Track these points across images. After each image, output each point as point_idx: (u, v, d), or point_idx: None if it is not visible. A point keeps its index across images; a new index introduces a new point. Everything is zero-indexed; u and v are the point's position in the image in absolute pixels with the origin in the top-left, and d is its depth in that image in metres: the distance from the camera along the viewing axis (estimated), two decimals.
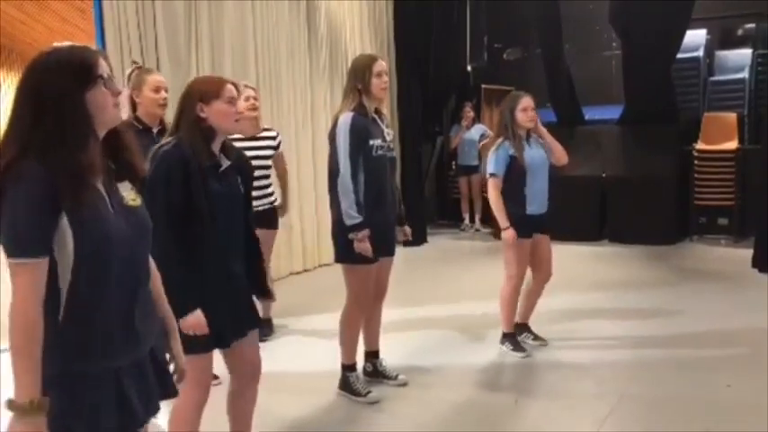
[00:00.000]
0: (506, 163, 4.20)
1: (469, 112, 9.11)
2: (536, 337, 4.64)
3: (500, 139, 4.27)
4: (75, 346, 1.67)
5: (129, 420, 1.78)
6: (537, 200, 4.29)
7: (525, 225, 4.25)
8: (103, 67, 1.71)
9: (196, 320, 2.40)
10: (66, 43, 1.74)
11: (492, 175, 4.22)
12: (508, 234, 4.17)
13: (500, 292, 4.39)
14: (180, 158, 2.41)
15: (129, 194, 1.79)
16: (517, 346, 4.42)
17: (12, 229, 1.59)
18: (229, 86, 2.51)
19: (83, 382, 1.69)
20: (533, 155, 4.27)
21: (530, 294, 4.56)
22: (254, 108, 4.51)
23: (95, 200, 1.68)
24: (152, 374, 1.87)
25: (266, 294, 2.73)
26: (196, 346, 2.41)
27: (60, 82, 1.64)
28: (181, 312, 2.30)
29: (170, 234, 2.35)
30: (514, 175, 4.21)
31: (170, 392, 1.97)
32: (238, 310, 2.57)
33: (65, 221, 1.62)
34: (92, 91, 1.67)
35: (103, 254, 1.67)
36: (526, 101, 4.26)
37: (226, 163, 2.51)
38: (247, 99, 4.42)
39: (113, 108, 1.72)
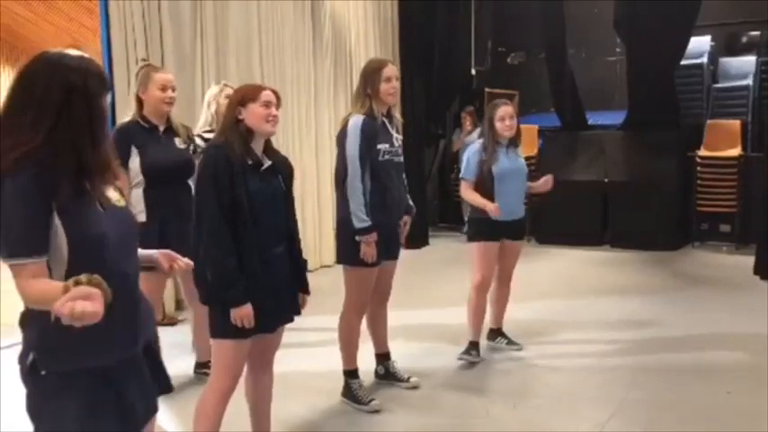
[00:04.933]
0: (478, 167, 4.25)
1: (466, 118, 9.12)
2: (510, 342, 4.64)
3: (477, 143, 4.34)
4: (72, 345, 1.66)
5: (129, 419, 1.79)
6: (505, 206, 4.24)
7: (490, 229, 4.27)
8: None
9: (246, 312, 2.57)
10: (74, 51, 1.81)
11: (463, 178, 4.34)
12: (493, 206, 4.12)
13: (468, 297, 4.37)
14: (225, 159, 2.58)
15: (114, 195, 1.83)
16: (466, 353, 4.35)
17: (7, 229, 1.60)
18: (267, 92, 2.70)
19: (79, 382, 1.69)
20: (508, 164, 4.28)
21: (498, 299, 4.58)
22: None
23: (88, 199, 1.71)
24: (148, 371, 1.89)
25: (303, 289, 2.87)
26: (238, 330, 2.59)
27: (91, 84, 1.70)
28: (231, 303, 2.54)
29: (221, 230, 2.54)
30: (485, 181, 4.25)
31: (165, 388, 2.01)
32: (282, 298, 2.74)
33: (56, 223, 1.64)
34: (103, 98, 1.75)
35: (98, 252, 1.69)
36: (503, 110, 4.25)
37: (267, 163, 2.69)
38: (227, 98, 4.42)
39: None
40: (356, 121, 3.56)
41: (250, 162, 2.63)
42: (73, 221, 1.65)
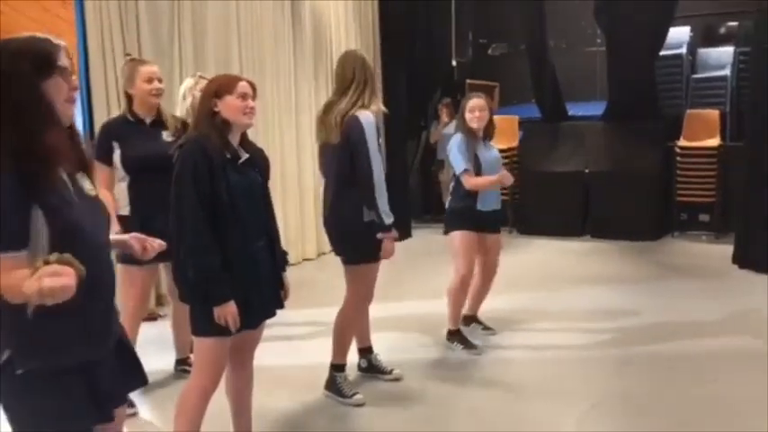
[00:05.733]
0: (468, 154, 4.27)
1: (443, 110, 9.15)
2: (485, 327, 4.72)
3: (460, 135, 4.35)
4: (50, 341, 1.64)
5: (103, 414, 1.78)
6: (488, 197, 4.35)
7: (474, 219, 4.31)
8: (64, 59, 1.71)
9: (231, 310, 2.52)
10: (27, 34, 1.73)
11: (465, 170, 4.27)
12: (507, 175, 4.27)
13: (448, 286, 4.41)
14: (203, 153, 2.52)
15: (86, 184, 1.80)
16: (467, 344, 4.43)
17: None
18: (243, 83, 2.63)
19: (54, 380, 1.66)
20: (486, 154, 4.37)
21: (479, 290, 4.63)
22: None
23: (62, 186, 1.68)
24: (117, 365, 1.87)
25: (280, 282, 2.83)
26: (221, 328, 2.54)
27: (17, 67, 1.63)
28: (215, 301, 2.49)
29: (203, 226, 2.48)
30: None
31: (141, 381, 2.00)
32: (265, 292, 2.70)
33: (38, 212, 1.61)
34: (49, 81, 1.67)
35: (75, 241, 1.66)
36: (473, 102, 4.34)
37: (244, 155, 2.63)
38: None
39: (65, 102, 1.71)
40: (368, 117, 3.48)
41: (228, 156, 2.57)
42: (53, 212, 1.63)
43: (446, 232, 4.42)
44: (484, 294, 4.67)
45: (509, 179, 4.30)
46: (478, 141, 4.35)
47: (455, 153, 4.31)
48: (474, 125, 4.31)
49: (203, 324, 2.57)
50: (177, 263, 2.61)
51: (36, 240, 1.62)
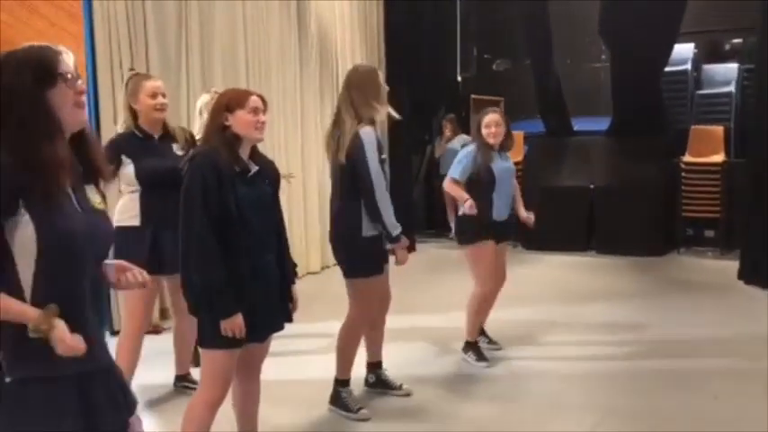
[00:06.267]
0: (469, 170, 4.32)
1: (446, 126, 9.18)
2: (491, 341, 4.71)
3: (472, 146, 4.42)
4: (39, 350, 1.61)
5: (98, 427, 1.73)
6: (500, 206, 4.40)
7: (491, 229, 4.34)
8: (65, 66, 1.68)
9: (237, 322, 2.52)
10: (26, 44, 1.71)
11: (453, 179, 4.35)
12: (470, 204, 4.23)
13: (469, 299, 4.44)
14: (212, 166, 2.53)
15: (95, 197, 1.78)
16: (480, 356, 4.45)
17: None
18: (254, 98, 2.65)
19: (45, 388, 1.64)
20: (500, 165, 4.40)
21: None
22: None
23: (61, 197, 1.65)
24: (117, 384, 1.83)
25: (288, 295, 2.83)
26: (229, 341, 2.55)
27: (17, 80, 1.62)
28: (222, 314, 2.50)
29: (210, 238, 2.49)
30: (484, 182, 4.33)
31: (131, 409, 1.88)
32: (273, 305, 2.70)
33: (25, 218, 1.59)
34: (52, 89, 1.65)
35: (68, 253, 1.64)
36: (489, 118, 4.38)
37: (254, 168, 2.64)
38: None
39: (73, 107, 1.69)
40: (370, 133, 3.51)
41: (237, 169, 2.58)
42: (42, 217, 1.60)
43: (461, 242, 4.43)
44: (490, 307, 4.65)
45: (472, 209, 4.21)
46: (494, 153, 4.37)
47: (458, 159, 4.39)
48: (491, 140, 4.33)
49: (210, 336, 2.57)
50: (185, 275, 2.61)
51: (23, 255, 1.60)
